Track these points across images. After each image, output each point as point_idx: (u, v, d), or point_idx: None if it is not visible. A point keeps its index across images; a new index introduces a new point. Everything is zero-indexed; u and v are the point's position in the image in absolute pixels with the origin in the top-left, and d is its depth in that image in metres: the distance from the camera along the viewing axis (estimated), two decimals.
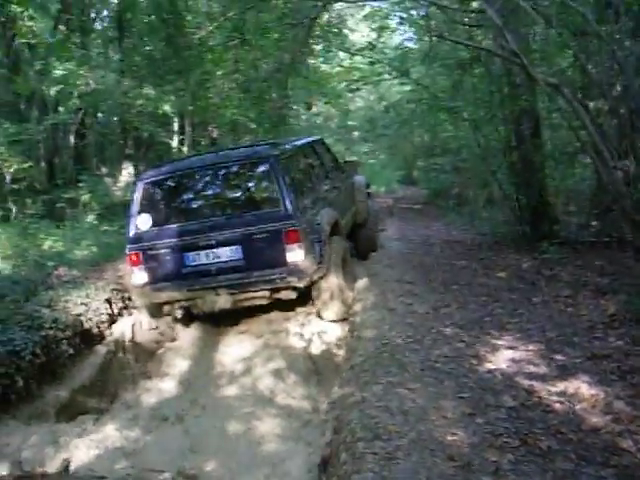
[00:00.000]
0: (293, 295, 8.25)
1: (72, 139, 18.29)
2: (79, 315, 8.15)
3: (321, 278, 8.32)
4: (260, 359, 7.85)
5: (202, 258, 8.06)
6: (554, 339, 6.17)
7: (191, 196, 8.51)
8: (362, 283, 8.82)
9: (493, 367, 5.53)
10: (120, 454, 5.79)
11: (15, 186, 14.03)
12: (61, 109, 15.76)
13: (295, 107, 21.43)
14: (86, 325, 8.20)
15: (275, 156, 8.05)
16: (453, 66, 12.80)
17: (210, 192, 8.47)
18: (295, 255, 7.74)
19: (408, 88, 15.49)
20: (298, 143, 9.90)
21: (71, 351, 7.69)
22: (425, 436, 4.21)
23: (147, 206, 8.33)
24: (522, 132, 11.05)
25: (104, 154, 21.06)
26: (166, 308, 8.64)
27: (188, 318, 9.11)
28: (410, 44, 15.56)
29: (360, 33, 21.54)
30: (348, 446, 4.26)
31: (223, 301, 8.13)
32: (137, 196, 8.38)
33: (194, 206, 8.44)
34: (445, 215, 17.08)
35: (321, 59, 21.37)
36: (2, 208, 13.02)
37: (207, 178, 8.43)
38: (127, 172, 17.94)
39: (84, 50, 15.99)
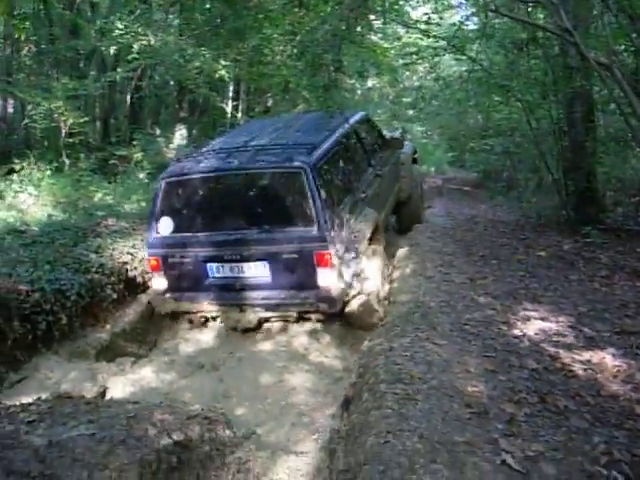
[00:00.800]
0: (323, 316, 7.65)
1: (128, 99, 18.56)
2: (125, 263, 8.41)
3: (356, 295, 7.51)
4: (297, 319, 7.93)
5: (226, 271, 7.53)
6: (585, 313, 6.23)
7: (216, 202, 7.70)
8: (403, 252, 8.93)
9: (521, 333, 5.63)
10: (155, 393, 6.01)
11: (70, 140, 14.27)
12: (119, 69, 15.95)
13: (350, 81, 21.49)
14: (131, 274, 8.46)
15: (310, 166, 7.17)
16: (510, 46, 12.74)
17: (237, 200, 7.62)
18: (327, 279, 7.11)
19: (464, 67, 15.46)
20: (338, 134, 8.80)
21: (114, 296, 8.00)
22: (446, 385, 4.38)
23: (169, 208, 7.75)
24: (574, 116, 10.98)
25: (159, 116, 21.28)
26: (187, 316, 8.15)
27: None
28: (469, 23, 15.49)
29: (422, 10, 21.47)
30: (371, 387, 4.45)
31: (247, 319, 7.61)
32: (159, 196, 7.81)
33: (219, 214, 7.65)
34: (493, 197, 17.04)
35: (380, 35, 21.40)
36: (56, 160, 13.29)
37: (234, 184, 7.61)
38: (180, 134, 18.16)
39: (145, 5, 16.12)
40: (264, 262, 7.31)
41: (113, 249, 8.49)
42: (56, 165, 12.80)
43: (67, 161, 13.59)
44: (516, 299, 6.73)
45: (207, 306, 7.71)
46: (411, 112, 23.07)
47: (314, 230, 7.02)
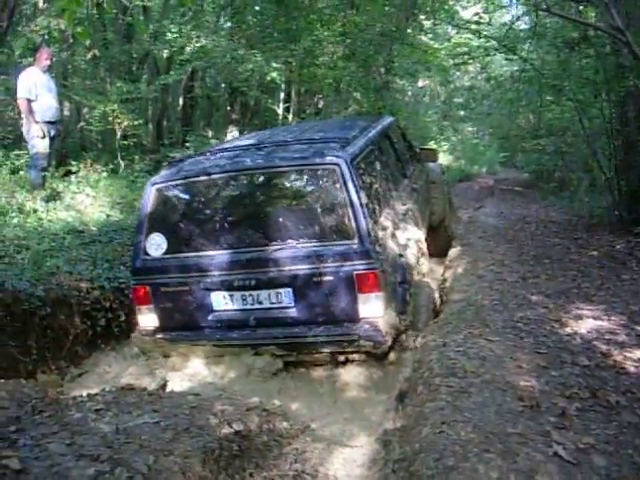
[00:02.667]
0: (364, 357, 6.09)
1: (181, 101, 18.89)
2: None
3: (404, 332, 6.12)
4: None
5: (237, 302, 5.99)
6: (637, 312, 6.23)
7: (223, 213, 6.13)
8: (455, 252, 8.98)
9: (573, 331, 5.66)
10: (212, 388, 6.09)
11: (124, 142, 14.56)
12: (172, 72, 16.21)
13: (400, 81, 21.55)
14: None
15: (347, 160, 5.75)
16: (561, 45, 12.73)
17: (251, 209, 6.08)
18: (372, 308, 5.62)
19: (515, 67, 15.48)
20: (372, 133, 7.41)
21: None
22: (498, 379, 4.46)
23: (162, 222, 6.22)
24: (627, 115, 10.94)
25: (211, 118, 21.56)
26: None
27: None
28: (520, 23, 15.48)
29: (472, 10, 21.50)
30: (425, 380, 4.56)
31: (266, 364, 6.03)
32: (147, 207, 6.21)
33: (227, 227, 6.08)
34: (545, 198, 16.98)
35: (430, 35, 21.45)
36: (112, 162, 13.57)
37: (246, 187, 6.12)
38: (232, 136, 18.32)
39: (197, 8, 16.35)
40: (287, 289, 5.82)
41: None
42: (111, 167, 13.05)
43: (122, 163, 13.84)
44: (568, 298, 6.75)
45: (211, 349, 6.21)
46: (462, 112, 23.04)
47: (355, 244, 5.59)
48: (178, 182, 6.20)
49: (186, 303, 6.10)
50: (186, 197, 6.24)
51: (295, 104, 18.16)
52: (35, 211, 9.48)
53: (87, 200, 10.78)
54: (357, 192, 5.59)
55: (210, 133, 18.95)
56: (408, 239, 6.80)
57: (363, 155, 6.38)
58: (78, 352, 6.91)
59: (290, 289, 5.77)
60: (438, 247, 9.52)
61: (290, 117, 17.85)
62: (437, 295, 7.40)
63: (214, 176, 6.09)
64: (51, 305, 6.59)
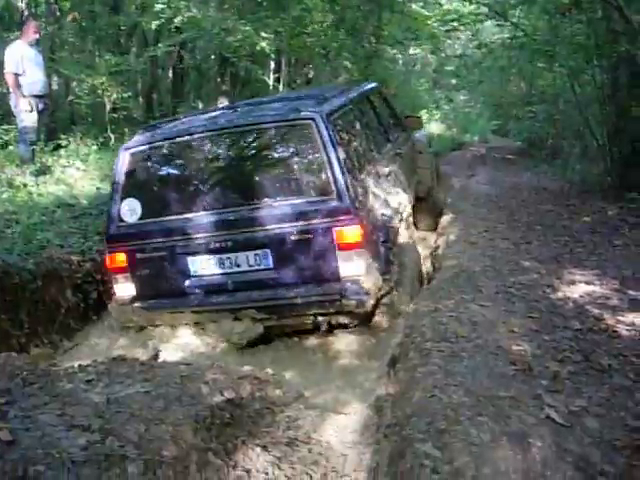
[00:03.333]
0: (348, 320, 6.07)
1: (170, 74, 18.78)
2: None
3: (388, 293, 6.09)
4: None
5: (214, 266, 5.88)
6: (630, 277, 6.22)
7: (199, 175, 6.05)
8: (447, 219, 8.97)
9: (565, 296, 5.65)
10: (204, 358, 6.05)
11: (114, 115, 14.49)
12: (160, 44, 16.07)
13: (391, 50, 21.43)
14: None
15: (322, 115, 5.63)
16: (552, 11, 12.60)
17: (226, 169, 6.04)
18: (353, 267, 5.53)
19: (507, 34, 15.37)
20: (351, 95, 7.35)
21: None
22: (490, 343, 4.45)
23: (135, 187, 6.08)
24: (619, 81, 10.89)
25: (201, 90, 21.43)
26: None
27: None
28: None
29: None
30: (417, 345, 4.54)
31: (245, 329, 5.93)
32: (120, 172, 6.08)
33: (203, 190, 5.98)
34: (537, 166, 16.90)
35: (420, 3, 21.30)
36: (102, 135, 13.50)
37: (222, 148, 6.03)
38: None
39: None
40: (265, 250, 5.72)
41: None
42: (101, 140, 12.99)
43: (112, 136, 13.78)
44: (560, 263, 6.74)
45: (190, 315, 6.09)
46: (454, 81, 22.92)
47: (333, 199, 5.47)
48: (151, 146, 6.09)
49: (163, 269, 5.98)
50: (160, 160, 6.16)
51: (285, 74, 18.05)
52: (25, 185, 9.45)
53: (77, 173, 10.75)
54: (334, 147, 5.48)
55: (200, 105, 18.84)
56: (391, 200, 6.67)
57: (340, 112, 6.29)
58: (70, 325, 6.90)
59: (268, 250, 5.68)
60: (427, 218, 9.63)
61: (281, 87, 17.75)
62: (426, 261, 7.65)
63: (187, 137, 5.99)
64: (42, 278, 6.57)
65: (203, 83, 21.73)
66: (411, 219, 7.58)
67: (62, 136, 12.25)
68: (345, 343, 6.55)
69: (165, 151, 6.12)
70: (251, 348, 6.31)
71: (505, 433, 3.30)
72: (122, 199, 6.01)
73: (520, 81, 21.29)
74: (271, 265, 5.71)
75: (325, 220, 5.45)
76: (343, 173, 5.45)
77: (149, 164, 6.16)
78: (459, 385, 3.80)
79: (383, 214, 6.25)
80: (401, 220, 6.92)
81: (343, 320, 5.98)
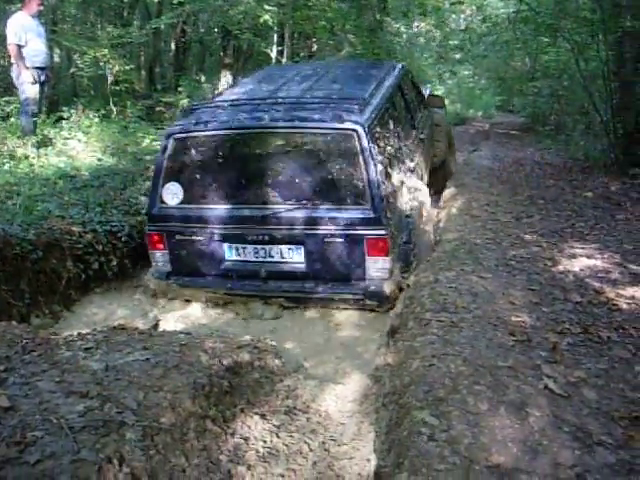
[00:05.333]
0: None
1: (173, 46, 18.68)
2: None
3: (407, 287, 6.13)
4: None
5: (249, 254, 6.21)
6: (631, 251, 6.24)
7: (240, 168, 6.18)
8: (449, 192, 8.96)
9: (566, 269, 5.66)
10: (204, 328, 6.05)
11: (116, 88, 14.44)
12: (163, 17, 15.96)
13: (395, 25, 21.24)
14: None
15: (365, 127, 5.79)
16: None
17: (268, 166, 6.10)
18: (378, 270, 5.91)
19: (511, 9, 15.27)
20: (387, 91, 7.29)
21: None
22: (490, 314, 4.46)
23: (179, 173, 6.31)
24: (624, 56, 10.82)
25: (203, 63, 21.37)
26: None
27: None
28: None
29: None
30: (416, 315, 4.56)
31: (275, 315, 6.43)
32: (164, 156, 6.32)
33: (244, 183, 6.17)
34: (540, 141, 16.88)
35: None
36: (104, 108, 13.45)
37: (264, 146, 6.14)
38: (225, 80, 18.10)
39: None
40: (299, 246, 6.04)
41: None
42: (103, 112, 12.93)
43: (114, 108, 13.74)
44: (562, 237, 6.75)
45: (223, 297, 6.54)
46: (458, 55, 22.75)
47: (367, 210, 5.75)
48: (196, 134, 6.24)
49: (199, 251, 6.33)
50: (203, 149, 6.28)
51: (288, 47, 17.92)
52: (26, 157, 9.43)
53: (79, 145, 10.72)
54: (373, 160, 5.70)
55: (203, 78, 18.78)
56: (415, 196, 6.92)
57: (379, 117, 6.40)
58: (71, 296, 6.87)
59: (302, 246, 6.00)
60: (437, 184, 9.82)
61: (284, 60, 17.65)
62: (432, 237, 7.43)
63: (232, 131, 6.16)
64: (43, 249, 6.53)
65: (206, 56, 21.66)
66: (429, 203, 7.62)
67: (64, 108, 12.19)
68: (345, 315, 6.57)
69: (208, 141, 6.26)
70: (250, 319, 6.47)
71: (503, 402, 3.31)
72: (164, 182, 6.30)
73: (524, 56, 21.14)
74: (303, 260, 6.05)
75: (358, 228, 5.76)
76: (378, 187, 5.71)
77: (192, 152, 6.29)
78: (458, 355, 3.81)
79: (407, 216, 6.54)
80: (421, 211, 7.08)
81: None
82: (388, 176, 6.17)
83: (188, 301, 6.77)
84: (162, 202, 6.34)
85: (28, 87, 10.13)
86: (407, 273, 6.20)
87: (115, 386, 3.53)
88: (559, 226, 7.21)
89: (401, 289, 6.02)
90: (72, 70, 15.57)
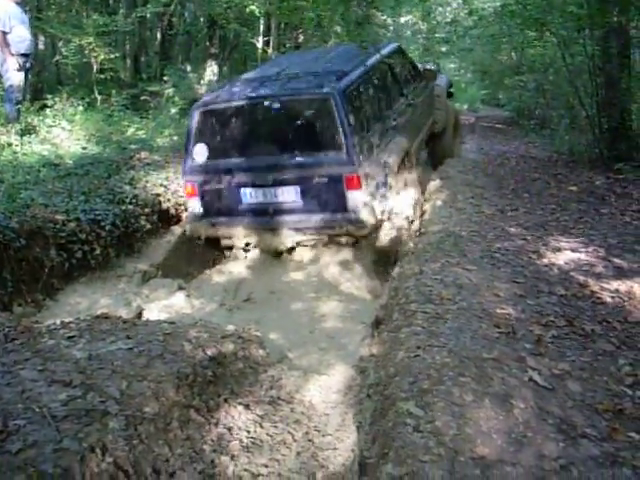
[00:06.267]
0: (352, 239, 7.81)
1: (159, 35, 18.56)
2: (158, 195, 8.55)
3: (387, 219, 7.72)
4: (329, 250, 7.99)
5: (259, 196, 7.68)
6: (615, 245, 6.24)
7: (248, 129, 7.78)
8: (434, 184, 8.97)
9: (551, 263, 5.66)
10: (188, 318, 6.07)
11: (101, 76, 14.33)
12: (149, 5, 15.84)
13: (382, 17, 21.22)
14: (164, 205, 8.61)
15: (339, 91, 7.27)
16: None
17: (269, 126, 7.69)
18: (356, 202, 7.25)
19: (498, 2, 15.25)
20: (372, 61, 8.87)
21: (148, 227, 8.13)
22: (475, 306, 4.46)
23: (203, 136, 7.89)
24: (610, 51, 10.83)
25: (189, 52, 21.22)
26: (223, 242, 8.30)
27: None
28: None
29: None
30: (401, 307, 4.55)
31: (281, 242, 7.78)
32: (192, 125, 7.96)
33: (252, 140, 7.74)
34: (525, 135, 16.93)
35: None
36: (88, 96, 13.36)
37: (266, 110, 7.62)
38: (211, 70, 18.02)
39: None
40: (295, 187, 7.47)
41: (146, 181, 8.62)
42: (88, 101, 12.85)
43: (99, 97, 13.66)
44: (547, 230, 6.76)
45: (241, 230, 7.87)
46: (444, 49, 22.75)
47: (343, 154, 7.15)
48: (214, 107, 7.88)
49: (223, 196, 7.84)
50: (222, 117, 7.84)
51: (275, 38, 17.87)
52: (10, 145, 9.37)
53: (63, 134, 10.66)
54: (346, 116, 7.13)
55: (188, 67, 18.65)
56: (393, 149, 8.09)
57: (356, 85, 7.82)
58: (54, 284, 6.85)
59: (298, 187, 7.45)
60: (439, 153, 11.50)
61: (270, 51, 17.60)
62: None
63: (241, 102, 7.74)
64: (26, 237, 6.50)
65: (192, 46, 21.54)
66: (414, 159, 9.05)
67: (48, 96, 12.10)
68: (330, 307, 6.58)
69: (225, 111, 7.83)
70: (235, 310, 6.64)
71: (488, 394, 3.31)
72: (194, 145, 7.86)
73: (511, 50, 21.15)
74: (299, 198, 7.49)
75: (338, 169, 7.20)
76: (351, 135, 7.12)
77: (213, 119, 7.86)
78: (443, 346, 3.81)
79: (385, 162, 7.70)
80: (402, 162, 8.22)
81: (350, 239, 7.77)
82: (363, 130, 7.54)
83: (171, 288, 7.33)
84: (193, 160, 7.86)
85: (13, 74, 10.05)
86: (384, 208, 7.55)
87: (98, 375, 3.50)
88: (544, 219, 7.22)
89: (381, 222, 7.53)
90: (57, 58, 15.45)
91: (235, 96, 7.92)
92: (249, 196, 7.73)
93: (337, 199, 7.32)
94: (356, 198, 7.24)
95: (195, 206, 7.99)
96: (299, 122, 7.48)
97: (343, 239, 7.80)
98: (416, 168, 8.94)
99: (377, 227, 7.57)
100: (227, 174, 7.73)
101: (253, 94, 7.79)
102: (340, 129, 7.16)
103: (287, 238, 7.72)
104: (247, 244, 8.09)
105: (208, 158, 7.82)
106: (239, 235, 7.96)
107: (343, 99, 7.24)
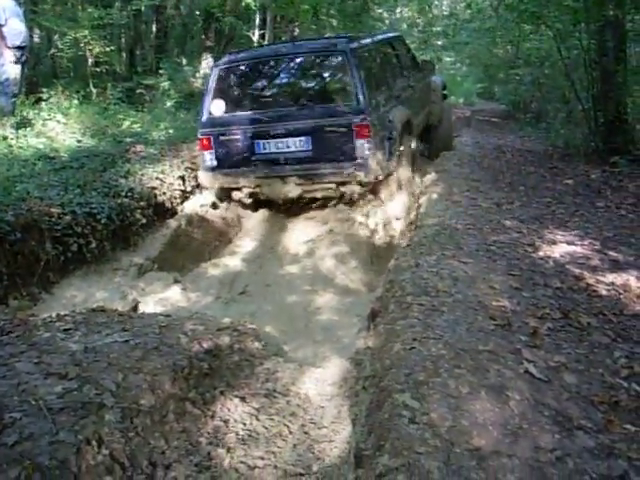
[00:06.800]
0: (358, 189, 8.32)
1: (154, 29, 18.53)
2: (154, 188, 8.52)
3: (389, 175, 8.37)
4: (324, 244, 8.01)
5: (272, 147, 8.17)
6: (610, 238, 6.26)
7: (265, 84, 8.60)
8: (430, 177, 8.99)
9: (546, 255, 5.67)
10: (184, 311, 6.07)
11: (97, 69, 14.30)
12: None
13: (379, 10, 21.20)
14: (159, 199, 8.58)
15: (352, 49, 7.95)
16: None
17: (284, 81, 8.57)
18: (364, 150, 7.74)
19: None
20: (376, 38, 9.86)
21: (144, 221, 8.08)
22: (471, 299, 4.46)
23: (221, 92, 8.43)
24: (606, 45, 10.82)
25: (185, 46, 21.18)
26: (235, 194, 8.90)
27: (256, 204, 9.32)
28: None
29: None
30: (397, 299, 4.54)
31: (290, 190, 8.31)
32: (212, 81, 8.51)
33: (267, 95, 8.50)
34: (521, 129, 16.92)
35: None
36: (83, 89, 13.32)
37: (282, 67, 8.50)
38: (206, 63, 17.94)
39: None
40: (307, 137, 7.97)
41: (142, 174, 8.59)
42: (83, 94, 12.82)
43: (94, 90, 13.63)
44: (542, 223, 6.76)
45: (253, 180, 8.42)
46: (440, 42, 22.72)
47: (353, 105, 7.74)
48: (233, 65, 8.57)
49: (237, 147, 8.33)
50: (238, 74, 8.61)
51: (270, 31, 17.84)
52: (5, 138, 9.33)
53: (58, 127, 10.62)
54: (358, 70, 7.75)
55: (184, 61, 18.62)
56: (397, 113, 8.67)
57: (365, 49, 8.53)
58: (50, 278, 6.83)
59: (310, 137, 7.95)
60: (435, 145, 11.92)
61: (265, 44, 17.56)
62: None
63: (258, 59, 8.65)
64: (21, 230, 6.48)
65: (187, 39, 21.50)
66: (415, 130, 9.77)
67: (43, 89, 12.08)
68: (325, 300, 6.59)
69: (241, 68, 8.62)
70: (231, 303, 6.47)
71: (483, 386, 3.31)
72: (212, 99, 8.39)
73: (507, 44, 21.11)
74: (310, 147, 7.98)
75: (348, 118, 7.72)
76: (362, 87, 7.70)
77: (230, 76, 8.55)
78: (438, 338, 3.80)
79: (390, 120, 8.33)
80: (404, 127, 8.81)
81: (355, 189, 8.28)
82: (372, 88, 8.05)
83: (167, 281, 7.27)
84: (210, 114, 8.41)
85: (10, 67, 10.04)
86: (389, 161, 8.16)
87: (94, 367, 3.50)
88: (539, 212, 7.22)
89: (388, 175, 8.27)
90: (52, 51, 15.42)
91: (252, 55, 8.86)
92: (262, 147, 8.23)
93: (346, 148, 7.80)
94: (364, 147, 7.73)
95: (209, 158, 8.50)
96: (313, 76, 8.40)
97: (348, 190, 8.31)
98: (415, 141, 9.72)
99: (383, 178, 8.23)
100: (242, 126, 8.25)
101: (269, 53, 8.83)
102: (352, 81, 7.77)
103: (296, 187, 8.26)
104: (254, 194, 8.72)
105: (225, 112, 8.39)
106: (250, 185, 8.51)
107: (355, 55, 7.88)
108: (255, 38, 17.40)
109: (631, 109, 11.31)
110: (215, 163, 8.48)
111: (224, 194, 9.14)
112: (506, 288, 4.76)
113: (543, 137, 14.33)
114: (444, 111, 12.19)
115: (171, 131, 11.58)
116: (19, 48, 10.15)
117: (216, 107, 8.39)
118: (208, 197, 9.26)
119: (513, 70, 18.74)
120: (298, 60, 8.47)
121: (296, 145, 8.06)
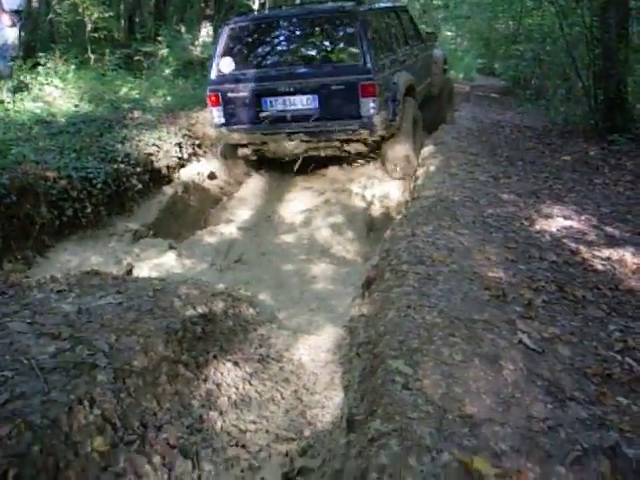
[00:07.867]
0: (362, 148, 8.54)
1: None
2: (150, 155, 8.48)
3: (392, 136, 8.54)
4: (320, 213, 8.04)
5: (279, 104, 8.33)
6: (607, 214, 6.24)
7: (274, 44, 8.76)
8: (428, 150, 8.95)
9: (543, 229, 5.65)
10: (179, 277, 6.08)
11: (95, 35, 14.20)
12: None
13: None
14: (156, 165, 8.53)
15: (360, 11, 8.15)
16: None
17: (292, 42, 8.74)
18: (369, 109, 7.93)
19: None
20: (382, 5, 10.15)
21: (140, 187, 8.02)
22: (466, 269, 4.45)
23: (230, 50, 8.59)
24: (608, 22, 10.74)
25: (184, 13, 21.06)
26: (240, 151, 9.10)
27: (255, 168, 9.63)
28: None
29: None
30: (393, 267, 4.54)
31: (295, 147, 8.51)
32: (222, 39, 8.66)
33: (275, 54, 8.71)
34: (521, 105, 16.81)
35: None
36: (82, 55, 13.24)
37: (291, 28, 8.69)
38: (206, 32, 17.90)
39: None
40: (314, 95, 8.15)
41: (139, 140, 8.54)
42: (81, 60, 12.75)
43: (92, 56, 13.56)
44: (539, 198, 6.74)
45: (260, 137, 8.60)
46: (440, 15, 22.57)
47: (360, 64, 7.91)
48: (243, 24, 8.73)
49: (244, 104, 8.50)
50: (248, 33, 8.75)
51: (271, 0, 17.71)
52: (2, 102, 9.32)
53: (55, 92, 10.58)
54: (365, 32, 7.96)
55: (183, 29, 18.47)
56: (402, 76, 8.89)
57: (373, 13, 8.79)
58: (44, 242, 6.81)
59: (316, 95, 8.13)
60: (434, 116, 11.80)
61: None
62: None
63: (267, 19, 8.81)
64: (16, 194, 6.46)
65: (187, 7, 21.35)
66: (417, 96, 9.91)
67: (41, 54, 11.98)
68: (321, 269, 6.58)
69: (251, 27, 8.76)
70: (226, 270, 6.43)
71: (477, 354, 3.30)
72: (221, 57, 8.55)
73: (508, 19, 20.99)
74: (317, 105, 8.16)
75: (354, 77, 7.91)
76: (369, 48, 7.89)
77: (240, 35, 8.70)
78: (433, 306, 3.80)
79: (394, 82, 8.56)
80: (408, 90, 9.03)
81: (359, 147, 8.53)
82: (377, 50, 8.21)
83: (162, 247, 7.22)
84: (219, 71, 8.57)
85: (8, 31, 10.03)
86: (393, 121, 8.33)
87: (87, 328, 3.50)
88: (537, 187, 7.20)
89: (390, 134, 8.44)
90: (50, 16, 15.26)
91: (263, 16, 9.08)
92: (270, 104, 8.39)
93: (352, 106, 7.99)
94: (369, 105, 7.92)
95: (217, 115, 8.66)
96: (322, 37, 8.52)
97: (352, 149, 8.57)
98: (416, 105, 9.67)
99: (384, 138, 8.45)
100: (250, 84, 8.39)
101: (278, 14, 9.04)
102: (359, 41, 7.94)
103: (302, 144, 8.47)
104: (259, 151, 8.98)
105: (233, 70, 8.53)
106: (256, 141, 8.70)
107: (363, 18, 8.09)
108: (255, 7, 17.21)
109: (632, 87, 11.25)
110: (223, 120, 8.65)
111: (230, 151, 9.30)
112: (502, 260, 4.75)
113: (542, 113, 14.24)
114: (445, 83, 12.52)
115: (169, 98, 11.54)
116: (16, 12, 10.08)
117: (225, 65, 8.53)
118: (205, 165, 9.24)
119: (514, 46, 18.62)
120: (307, 21, 8.65)
121: (303, 103, 8.24)
